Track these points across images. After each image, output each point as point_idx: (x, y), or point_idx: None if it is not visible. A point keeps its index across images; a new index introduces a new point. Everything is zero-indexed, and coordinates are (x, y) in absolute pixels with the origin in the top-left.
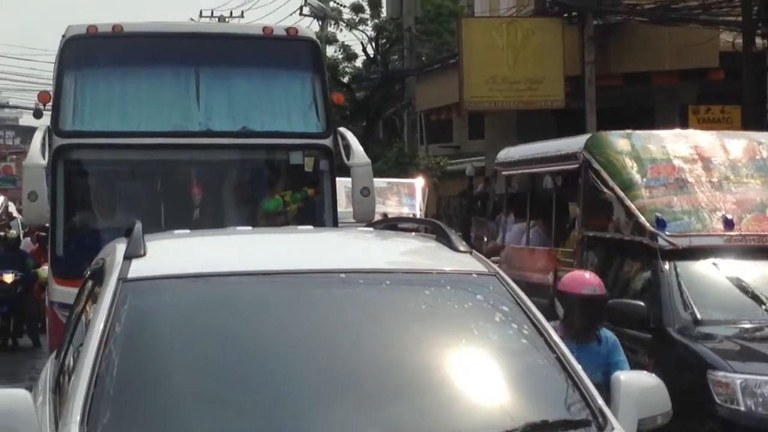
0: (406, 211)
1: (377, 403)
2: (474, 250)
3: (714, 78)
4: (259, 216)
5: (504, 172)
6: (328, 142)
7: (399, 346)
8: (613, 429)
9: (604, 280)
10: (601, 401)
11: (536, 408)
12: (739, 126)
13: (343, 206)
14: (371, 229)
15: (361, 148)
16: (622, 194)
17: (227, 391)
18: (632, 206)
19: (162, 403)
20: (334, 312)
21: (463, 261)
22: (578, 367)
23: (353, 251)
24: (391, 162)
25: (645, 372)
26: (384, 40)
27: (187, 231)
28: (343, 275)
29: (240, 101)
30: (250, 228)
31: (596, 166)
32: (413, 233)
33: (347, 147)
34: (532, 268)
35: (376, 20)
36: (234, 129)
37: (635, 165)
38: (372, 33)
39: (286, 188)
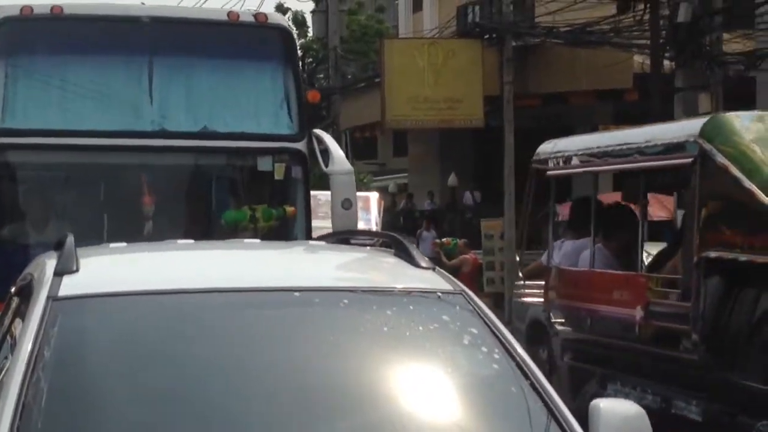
0: (362, 227)
1: None
2: (437, 267)
3: (629, 98)
4: (219, 229)
5: (550, 172)
6: (301, 145)
7: (357, 373)
8: None
9: (738, 320)
10: (581, 431)
11: None
12: None
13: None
14: (322, 242)
15: (341, 153)
16: (766, 200)
17: (168, 421)
18: None
19: None
20: (286, 334)
21: (426, 278)
22: (555, 394)
23: (307, 267)
24: (316, 178)
25: (625, 400)
26: (310, 59)
27: (124, 244)
28: (297, 294)
29: (200, 97)
30: (192, 241)
31: (722, 160)
32: (368, 247)
33: (325, 152)
34: (607, 300)
35: (302, 40)
36: (193, 129)
37: None
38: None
39: (252, 199)
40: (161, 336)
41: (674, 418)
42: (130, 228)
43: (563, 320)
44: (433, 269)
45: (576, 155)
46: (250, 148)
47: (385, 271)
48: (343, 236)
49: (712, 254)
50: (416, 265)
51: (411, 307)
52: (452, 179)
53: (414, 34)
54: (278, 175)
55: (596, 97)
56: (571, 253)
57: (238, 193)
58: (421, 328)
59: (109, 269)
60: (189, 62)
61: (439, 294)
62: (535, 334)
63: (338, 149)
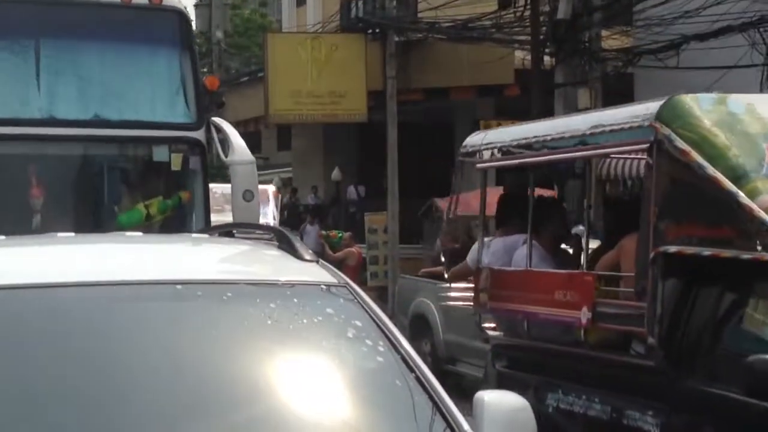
0: (260, 220)
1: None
2: (321, 259)
3: (510, 94)
4: (112, 226)
5: (480, 165)
6: (199, 134)
7: (241, 367)
8: None
9: (699, 321)
10: (466, 426)
11: None
12: None
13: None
14: (205, 235)
15: (242, 142)
16: (732, 188)
17: (41, 421)
18: (754, 207)
19: None
20: (167, 328)
21: (309, 271)
22: (440, 388)
23: (189, 260)
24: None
25: (510, 392)
26: None
27: (2, 237)
28: (179, 287)
29: (91, 83)
30: (72, 234)
31: (681, 145)
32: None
33: (224, 141)
34: (546, 301)
35: None
36: (83, 117)
37: (746, 143)
38: None
39: (147, 190)
40: (34, 332)
41: (627, 430)
42: (16, 221)
43: (495, 325)
44: (317, 262)
45: (510, 146)
46: (145, 137)
47: (268, 263)
48: (227, 229)
49: (671, 249)
50: (300, 257)
51: (295, 300)
52: (336, 174)
53: (298, 28)
54: (175, 166)
55: (478, 92)
56: (502, 251)
57: (132, 185)
58: (305, 320)
59: None
60: (79, 46)
61: (323, 286)
62: (419, 328)
63: (238, 138)
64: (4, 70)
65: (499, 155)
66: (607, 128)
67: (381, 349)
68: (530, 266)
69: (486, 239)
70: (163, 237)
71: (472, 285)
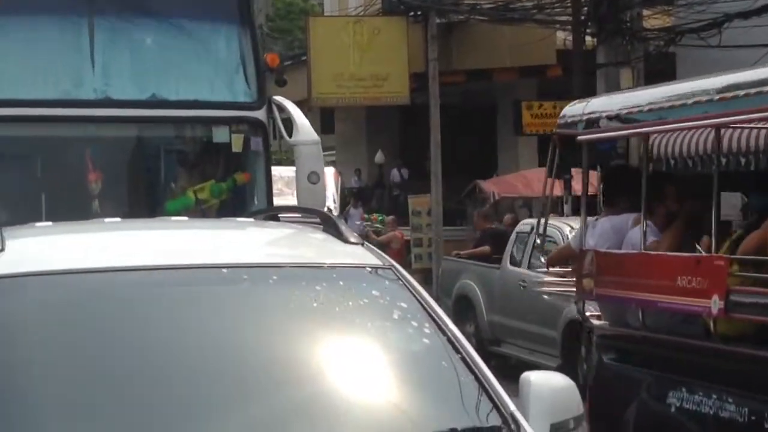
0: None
1: (269, 413)
2: (366, 242)
3: (552, 74)
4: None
5: (582, 138)
6: (261, 114)
7: (288, 349)
8: None
9: None
10: (512, 406)
11: (443, 415)
12: None
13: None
14: (251, 219)
15: (306, 122)
16: None
17: (98, 401)
18: None
19: (25, 418)
20: (216, 311)
21: (354, 253)
22: (486, 369)
23: (235, 244)
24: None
25: (555, 372)
26: None
27: (50, 223)
28: (225, 271)
29: (148, 62)
30: (119, 220)
31: None
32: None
33: (288, 121)
34: (668, 288)
35: None
36: (140, 97)
37: None
38: None
39: (207, 174)
40: (87, 315)
41: None
42: (72, 207)
43: (602, 314)
44: (362, 244)
45: (619, 115)
46: (205, 118)
47: (314, 246)
48: (272, 213)
49: None
50: (345, 240)
51: (341, 283)
52: (379, 156)
53: (339, 11)
54: (236, 147)
55: (520, 73)
56: (610, 232)
57: (191, 169)
58: (350, 303)
59: (35, 249)
60: (134, 23)
61: (368, 269)
62: (463, 310)
63: (302, 117)
64: (57, 49)
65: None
66: (743, 91)
67: (427, 330)
68: (645, 248)
69: (590, 219)
70: (208, 221)
71: (569, 269)
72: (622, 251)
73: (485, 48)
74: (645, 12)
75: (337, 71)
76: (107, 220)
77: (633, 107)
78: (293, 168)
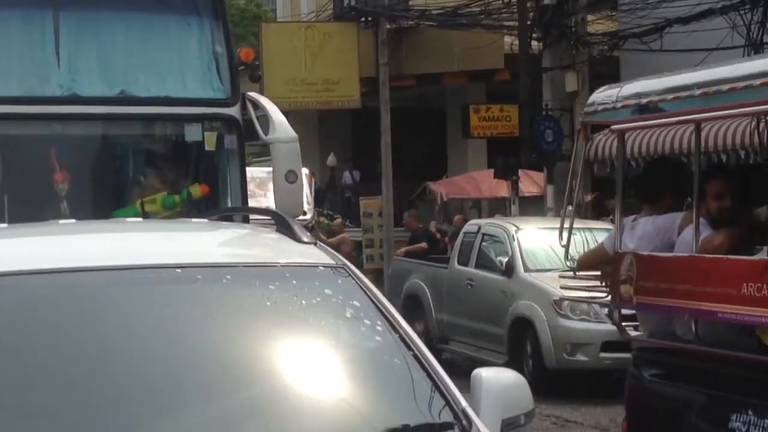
0: None
1: (222, 412)
2: (319, 241)
3: (500, 78)
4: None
5: (616, 126)
6: (235, 111)
7: (242, 348)
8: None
9: None
10: (464, 402)
11: (396, 411)
12: (516, 123)
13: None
14: (204, 220)
15: (283, 119)
16: None
17: (46, 403)
18: None
19: None
20: (169, 311)
21: (308, 252)
22: (438, 366)
23: (189, 244)
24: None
25: (506, 369)
26: None
27: (4, 225)
28: (179, 270)
29: (116, 57)
30: (74, 221)
31: None
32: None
33: (264, 118)
34: (730, 297)
35: None
36: (109, 94)
37: None
38: None
39: (179, 174)
40: (37, 316)
41: None
42: (36, 208)
43: (641, 324)
44: (315, 244)
45: (660, 99)
46: (176, 115)
47: (267, 246)
48: (227, 213)
49: None
50: (298, 240)
51: (294, 282)
52: (331, 159)
53: (292, 17)
54: (209, 146)
55: (469, 77)
56: (653, 233)
57: (162, 168)
58: (304, 302)
59: None
60: (102, 16)
61: (321, 267)
62: (412, 308)
63: (279, 114)
64: (20, 43)
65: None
66: None
67: (379, 328)
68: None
69: (627, 219)
70: (163, 223)
71: (597, 273)
72: (671, 254)
73: (435, 53)
74: (589, 17)
75: (290, 76)
76: (61, 221)
77: (679, 91)
78: (265, 168)
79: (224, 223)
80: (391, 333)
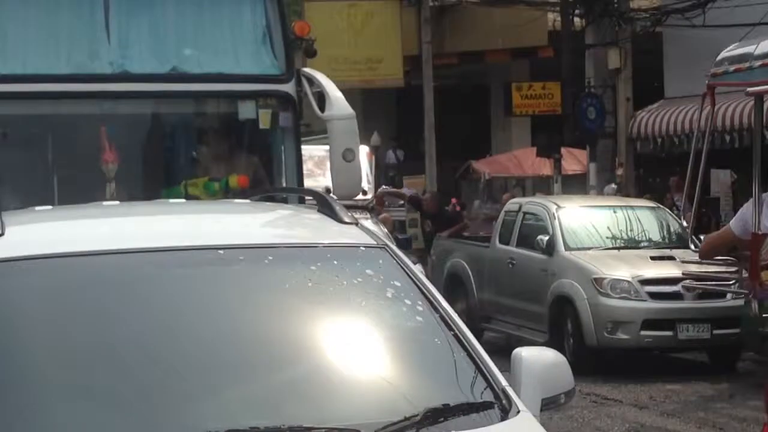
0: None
1: (265, 391)
2: (360, 222)
3: (544, 55)
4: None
5: (753, 89)
6: (290, 87)
7: (285, 328)
8: (518, 411)
9: None
10: (504, 382)
11: (436, 391)
12: (559, 101)
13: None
14: (247, 201)
15: (340, 95)
16: None
17: (100, 383)
18: None
19: (29, 400)
20: (213, 292)
21: (349, 233)
22: (478, 346)
23: (231, 226)
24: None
25: (546, 348)
26: None
27: (50, 207)
28: (221, 252)
29: (167, 33)
30: (118, 203)
31: None
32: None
33: (320, 94)
34: None
35: None
36: (160, 71)
37: None
38: None
39: (233, 152)
40: (87, 298)
41: None
42: (86, 189)
43: None
44: (356, 224)
45: None
46: (229, 92)
47: (309, 227)
48: (270, 194)
49: None
50: (339, 220)
51: (335, 262)
52: (375, 138)
53: None
54: (264, 124)
55: (512, 54)
56: None
57: (216, 147)
58: (345, 282)
59: (35, 233)
60: None
61: (362, 248)
62: (454, 287)
63: (336, 90)
64: (69, 20)
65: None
66: None
67: (420, 308)
68: None
69: (766, 195)
70: (205, 204)
71: (729, 258)
72: None
73: (477, 30)
74: None
75: (332, 55)
76: (106, 203)
77: None
78: (323, 147)
79: (266, 203)
80: (432, 313)
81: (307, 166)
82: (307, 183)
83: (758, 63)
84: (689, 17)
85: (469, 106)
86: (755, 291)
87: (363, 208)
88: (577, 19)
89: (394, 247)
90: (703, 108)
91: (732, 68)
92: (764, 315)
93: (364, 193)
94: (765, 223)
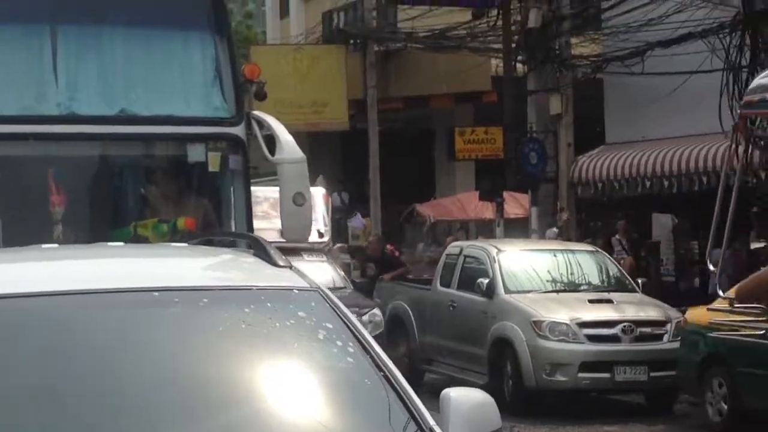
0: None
1: None
2: (294, 265)
3: (487, 100)
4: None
5: None
6: (239, 130)
7: (218, 370)
8: None
9: None
10: (432, 421)
11: (366, 431)
12: (501, 146)
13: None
14: (184, 244)
15: (290, 139)
16: None
17: (35, 424)
18: None
19: None
20: (148, 334)
21: (283, 276)
22: (407, 386)
23: (167, 268)
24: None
25: (475, 389)
26: None
27: None
28: (156, 294)
29: (116, 74)
30: (56, 246)
31: None
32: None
33: (270, 137)
34: None
35: None
36: (109, 113)
37: None
38: None
39: (181, 195)
40: (22, 338)
41: None
42: (32, 231)
43: None
44: (291, 267)
45: None
46: (178, 135)
47: (244, 270)
48: (207, 238)
49: None
50: (274, 264)
51: (269, 305)
52: (320, 181)
53: (282, 39)
54: (213, 167)
55: (456, 99)
56: None
57: (164, 190)
58: (278, 324)
59: None
60: (101, 32)
61: (296, 291)
62: (395, 330)
63: (286, 134)
64: (17, 61)
65: None
66: None
67: (351, 350)
68: None
69: None
70: (143, 247)
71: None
72: None
73: (422, 75)
74: (573, 40)
75: (278, 98)
76: (45, 246)
77: None
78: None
79: (203, 247)
80: (363, 354)
81: (262, 208)
82: (263, 225)
83: None
84: (629, 64)
85: (413, 150)
86: None
87: (320, 251)
88: (519, 65)
89: (327, 290)
90: (733, 141)
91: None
92: None
93: (321, 236)
94: None
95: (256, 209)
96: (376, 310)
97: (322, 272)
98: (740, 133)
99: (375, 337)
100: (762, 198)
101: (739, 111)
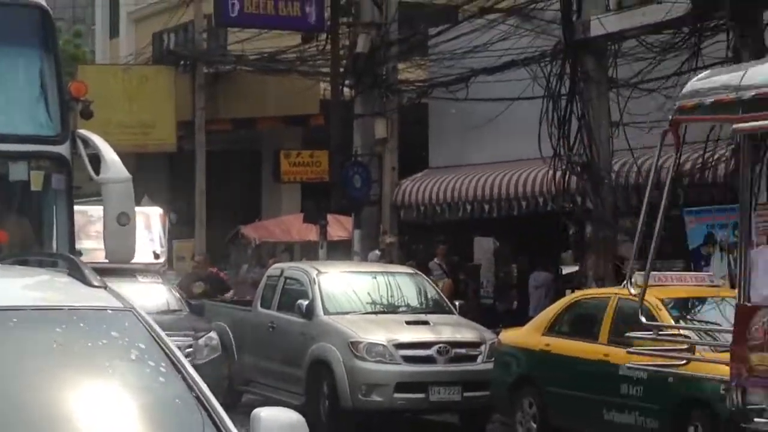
0: (147, 247)
1: None
2: (109, 285)
3: (316, 123)
4: None
5: (740, 125)
6: (64, 149)
7: (25, 391)
8: None
9: None
10: None
11: None
12: (327, 169)
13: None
14: None
15: (116, 158)
16: None
17: None
18: None
19: None
20: None
21: (97, 296)
22: (218, 405)
23: None
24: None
25: (286, 408)
26: None
27: None
28: None
29: None
30: None
31: None
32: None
33: (95, 156)
34: None
35: None
36: None
37: None
38: None
39: (2, 214)
40: None
41: None
42: None
43: None
44: (105, 288)
45: None
46: (0, 152)
47: (57, 290)
48: (21, 258)
49: None
50: (88, 283)
51: (81, 324)
52: (146, 201)
53: (111, 59)
54: (35, 186)
55: (284, 122)
56: None
57: None
58: (90, 344)
59: None
60: None
61: (109, 311)
62: None
63: (111, 153)
64: None
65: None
66: None
67: (163, 369)
68: None
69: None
70: None
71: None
72: None
73: (251, 97)
74: (400, 65)
75: (106, 118)
76: None
77: None
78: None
79: (16, 266)
80: (175, 374)
81: (96, 228)
82: (95, 245)
83: (750, 94)
84: (453, 90)
85: (241, 171)
86: (740, 377)
87: (155, 273)
88: (347, 90)
89: (141, 311)
90: (662, 148)
91: (709, 100)
92: (749, 407)
93: (157, 257)
94: (761, 291)
95: (90, 229)
96: (213, 334)
97: (156, 294)
98: (674, 139)
99: (212, 361)
100: (577, 221)
101: (671, 117)
